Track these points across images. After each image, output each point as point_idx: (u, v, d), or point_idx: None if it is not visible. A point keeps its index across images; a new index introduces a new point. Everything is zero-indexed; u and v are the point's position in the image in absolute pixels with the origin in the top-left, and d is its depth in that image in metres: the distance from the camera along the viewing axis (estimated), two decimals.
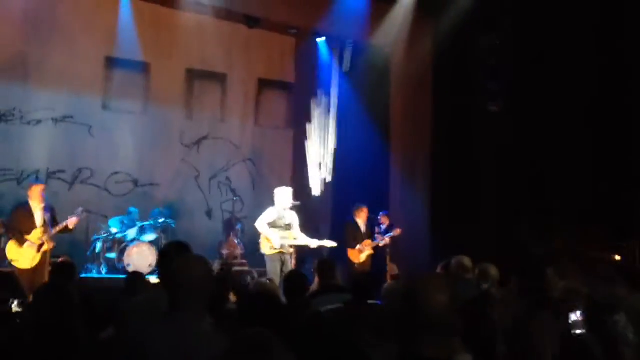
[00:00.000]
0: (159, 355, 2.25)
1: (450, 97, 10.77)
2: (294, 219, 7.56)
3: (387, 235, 9.12)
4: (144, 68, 10.60)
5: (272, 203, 7.73)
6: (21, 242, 6.82)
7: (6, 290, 3.71)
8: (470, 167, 10.49)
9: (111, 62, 10.38)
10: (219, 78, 11.20)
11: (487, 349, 3.12)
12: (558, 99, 8.94)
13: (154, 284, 5.98)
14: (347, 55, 11.50)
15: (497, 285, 4.98)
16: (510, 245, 8.91)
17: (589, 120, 8.73)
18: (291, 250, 7.39)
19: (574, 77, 8.77)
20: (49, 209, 7.06)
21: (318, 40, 11.54)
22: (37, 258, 6.87)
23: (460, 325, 1.84)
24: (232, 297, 5.25)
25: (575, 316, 3.69)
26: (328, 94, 11.87)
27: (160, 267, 3.27)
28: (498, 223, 9.85)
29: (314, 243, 7.61)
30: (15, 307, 4.56)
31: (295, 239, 7.44)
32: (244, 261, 9.69)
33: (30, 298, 3.94)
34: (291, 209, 7.56)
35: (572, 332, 3.74)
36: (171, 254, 3.19)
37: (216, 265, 9.09)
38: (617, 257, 8.04)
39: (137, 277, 4.64)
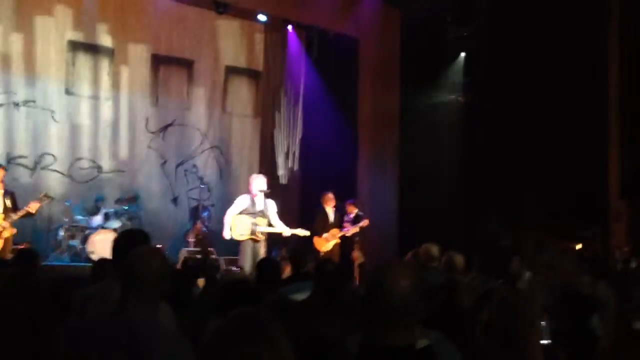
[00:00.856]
0: (101, 349, 2.19)
1: (419, 88, 10.87)
2: (269, 206, 7.54)
3: (355, 225, 9.15)
4: (108, 52, 10.36)
5: (239, 191, 7.71)
6: None
7: None
8: (438, 158, 10.61)
9: (74, 46, 10.11)
10: (185, 64, 11.02)
11: (455, 334, 3.13)
12: (527, 93, 9.08)
13: None
14: (316, 44, 11.47)
15: (463, 274, 5.06)
16: (478, 235, 9.05)
17: (558, 116, 8.90)
18: (262, 237, 7.36)
19: (544, 71, 8.92)
20: (8, 193, 6.87)
21: (288, 28, 11.47)
22: None
23: (422, 312, 1.79)
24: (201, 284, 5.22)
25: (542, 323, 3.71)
26: (297, 83, 11.81)
27: (114, 256, 3.07)
28: (465, 214, 10.00)
29: (286, 231, 7.59)
30: None
31: (269, 225, 7.42)
32: (211, 249, 9.60)
33: None
34: (266, 196, 7.54)
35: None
36: (125, 243, 3.03)
37: (183, 253, 8.98)
38: (579, 247, 8.25)
39: (105, 264, 4.53)
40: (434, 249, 5.46)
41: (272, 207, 7.55)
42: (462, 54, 10.88)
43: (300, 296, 4.07)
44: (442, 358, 2.20)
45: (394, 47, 11.31)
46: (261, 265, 4.27)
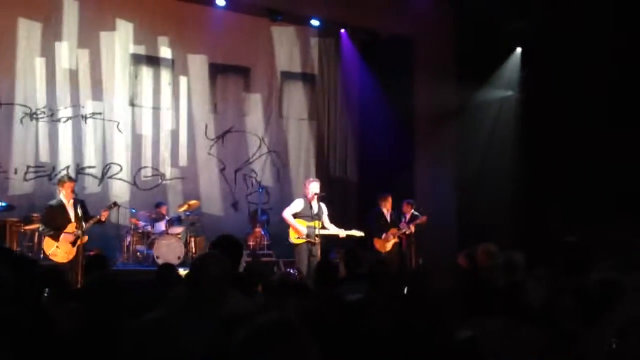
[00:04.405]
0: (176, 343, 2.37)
1: (475, 85, 10.72)
2: (322, 209, 7.62)
3: (412, 223, 9.18)
4: (168, 64, 10.72)
5: (296, 193, 7.84)
6: (56, 237, 7.00)
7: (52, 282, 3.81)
8: (496, 155, 10.44)
9: (137, 59, 10.52)
10: (242, 71, 11.28)
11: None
12: (587, 88, 8.76)
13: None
14: (369, 46, 11.50)
15: (524, 273, 4.97)
16: (539, 232, 8.85)
17: (619, 110, 8.57)
18: (318, 240, 7.44)
19: (604, 64, 8.63)
20: (78, 202, 7.23)
21: (341, 31, 11.57)
22: (73, 252, 7.04)
23: (455, 307, 1.97)
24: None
25: None
26: (351, 85, 11.88)
27: None
28: (526, 211, 9.80)
29: (342, 233, 7.66)
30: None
31: (322, 228, 7.50)
32: (270, 252, 9.80)
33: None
34: (319, 200, 7.61)
35: None
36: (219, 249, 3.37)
37: (244, 258, 9.18)
38: None
39: (168, 269, 4.74)
40: (493, 248, 5.39)
41: (324, 210, 7.64)
42: (519, 49, 10.67)
43: (353, 297, 4.13)
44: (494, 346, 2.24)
45: (448, 44, 11.22)
46: (320, 268, 4.36)
